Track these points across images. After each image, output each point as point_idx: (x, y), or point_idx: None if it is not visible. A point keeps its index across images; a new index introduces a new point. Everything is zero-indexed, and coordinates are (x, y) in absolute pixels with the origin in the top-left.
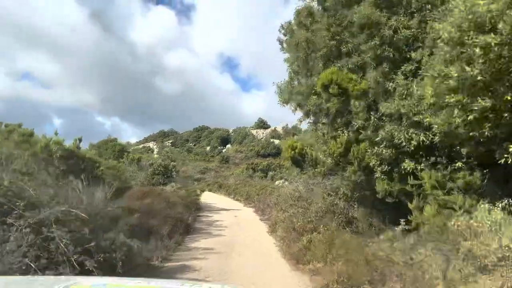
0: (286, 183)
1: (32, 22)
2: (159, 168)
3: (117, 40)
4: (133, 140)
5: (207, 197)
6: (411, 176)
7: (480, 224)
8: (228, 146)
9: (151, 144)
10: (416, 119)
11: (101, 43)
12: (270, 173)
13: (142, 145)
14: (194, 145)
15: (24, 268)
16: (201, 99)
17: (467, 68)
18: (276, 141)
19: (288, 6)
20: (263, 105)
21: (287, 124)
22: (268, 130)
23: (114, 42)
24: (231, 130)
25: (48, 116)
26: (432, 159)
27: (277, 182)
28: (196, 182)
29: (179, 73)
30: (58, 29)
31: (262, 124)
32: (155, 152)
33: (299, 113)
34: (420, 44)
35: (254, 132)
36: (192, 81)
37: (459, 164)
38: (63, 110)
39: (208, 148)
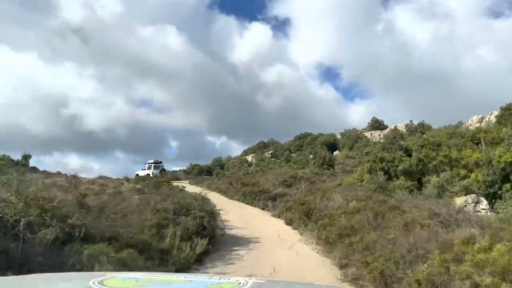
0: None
1: (142, 53)
2: None
3: (217, 62)
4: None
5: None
6: None
7: None
8: (336, 152)
9: (249, 157)
10: None
11: (203, 66)
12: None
13: (239, 158)
14: (294, 153)
15: None
16: (301, 110)
17: None
18: (401, 142)
19: (388, 7)
20: (368, 114)
21: (411, 121)
22: (387, 131)
23: (215, 65)
24: (338, 135)
25: (166, 139)
26: None
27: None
28: (270, 201)
29: (278, 87)
30: (164, 57)
31: (377, 125)
32: (252, 164)
33: None
34: None
35: (367, 134)
36: (291, 94)
37: None
38: (178, 133)
39: (311, 156)
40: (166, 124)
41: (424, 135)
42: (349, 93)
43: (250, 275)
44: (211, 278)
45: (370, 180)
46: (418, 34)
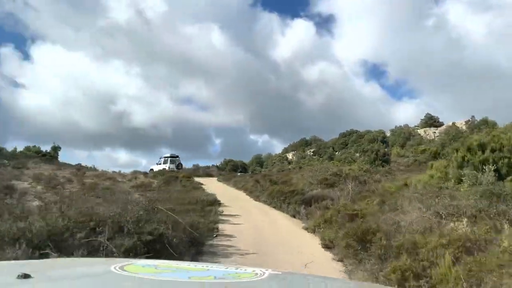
0: None
1: (186, 52)
2: None
3: (259, 59)
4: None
5: None
6: None
7: None
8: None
9: (290, 155)
10: None
11: (245, 64)
12: None
13: (279, 156)
14: (338, 152)
15: None
16: (345, 108)
17: None
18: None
19: (439, 1)
20: (416, 112)
21: (472, 117)
22: (443, 128)
23: (257, 62)
24: (388, 132)
25: (209, 136)
26: None
27: None
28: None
29: (320, 84)
30: (207, 55)
31: (431, 122)
32: (292, 162)
33: None
34: None
35: (421, 131)
36: (334, 91)
37: None
38: (221, 130)
39: (357, 154)
40: (210, 122)
41: (493, 131)
42: (396, 91)
43: None
44: (228, 268)
45: (470, 179)
46: (471, 29)
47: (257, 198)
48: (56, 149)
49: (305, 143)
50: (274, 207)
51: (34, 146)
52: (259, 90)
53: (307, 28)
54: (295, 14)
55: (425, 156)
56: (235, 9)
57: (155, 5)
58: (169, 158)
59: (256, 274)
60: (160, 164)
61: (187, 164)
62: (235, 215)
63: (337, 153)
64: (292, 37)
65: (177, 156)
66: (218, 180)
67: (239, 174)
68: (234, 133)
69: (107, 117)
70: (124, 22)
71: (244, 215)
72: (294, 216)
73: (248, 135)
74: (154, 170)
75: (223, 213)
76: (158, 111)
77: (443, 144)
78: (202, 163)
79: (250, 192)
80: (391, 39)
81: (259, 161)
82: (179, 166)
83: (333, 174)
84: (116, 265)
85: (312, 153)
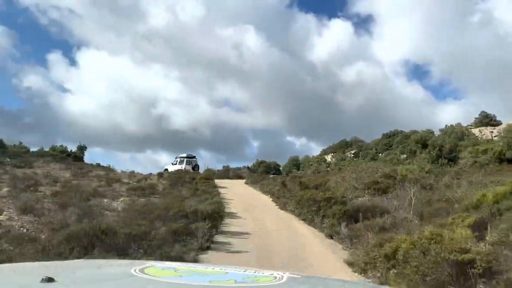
0: None
1: (222, 54)
2: None
3: (295, 60)
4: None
5: None
6: None
7: None
8: None
9: (328, 156)
10: None
11: (281, 65)
12: None
13: (317, 157)
14: (381, 153)
15: None
16: (385, 110)
17: None
18: None
19: None
20: (462, 113)
21: None
22: (502, 127)
23: (293, 63)
24: (437, 131)
25: (246, 138)
26: None
27: None
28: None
29: (359, 85)
30: (243, 57)
31: (487, 120)
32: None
33: None
34: None
35: (475, 131)
36: (374, 92)
37: None
38: (258, 132)
39: (403, 156)
40: (247, 124)
41: None
42: (440, 91)
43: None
44: (246, 271)
45: None
46: None
47: (283, 207)
48: (82, 148)
49: (345, 145)
50: (304, 220)
51: (61, 145)
52: (295, 91)
53: (345, 28)
54: (332, 15)
55: (487, 157)
56: (270, 11)
57: (190, 9)
58: (185, 159)
59: (275, 277)
60: (175, 164)
61: (220, 166)
62: (241, 235)
63: (380, 154)
64: (329, 37)
65: (194, 157)
66: (246, 183)
67: (271, 176)
68: (271, 135)
69: (148, 120)
70: (162, 27)
71: (256, 235)
72: (331, 237)
73: (285, 137)
74: (169, 170)
75: (226, 229)
76: (197, 113)
77: (510, 144)
78: (239, 165)
79: (277, 198)
80: (434, 37)
81: (296, 163)
82: (195, 167)
83: (384, 176)
84: (136, 268)
85: (352, 155)
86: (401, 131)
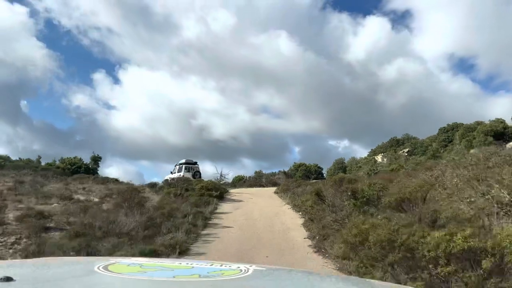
0: None
1: (256, 61)
2: None
3: (332, 62)
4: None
5: None
6: None
7: None
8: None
9: (379, 157)
10: None
11: (317, 68)
12: None
13: (367, 159)
14: (441, 149)
15: None
16: (430, 106)
17: None
18: None
19: None
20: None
21: None
22: None
23: (330, 65)
24: (510, 121)
25: (287, 144)
26: None
27: None
28: None
29: (401, 83)
30: (278, 63)
31: None
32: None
33: None
34: None
35: None
36: (417, 90)
37: None
38: (298, 137)
39: (473, 150)
40: (287, 129)
41: None
42: (490, 84)
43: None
44: (212, 264)
45: None
46: None
47: (320, 245)
48: (96, 159)
49: (395, 143)
50: None
51: (75, 157)
52: (334, 94)
53: (382, 25)
54: (367, 12)
55: None
56: (302, 14)
57: (221, 18)
58: (183, 165)
59: (241, 270)
60: (174, 172)
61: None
62: None
63: (442, 151)
64: (365, 36)
65: (195, 163)
66: (275, 192)
67: (312, 181)
68: (312, 139)
69: (189, 131)
70: (195, 38)
71: None
72: None
73: (327, 141)
74: (169, 180)
75: None
76: (236, 122)
77: None
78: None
79: (310, 220)
80: (479, 29)
81: (341, 166)
82: (196, 174)
83: None
84: (100, 265)
85: (406, 153)
86: (462, 124)
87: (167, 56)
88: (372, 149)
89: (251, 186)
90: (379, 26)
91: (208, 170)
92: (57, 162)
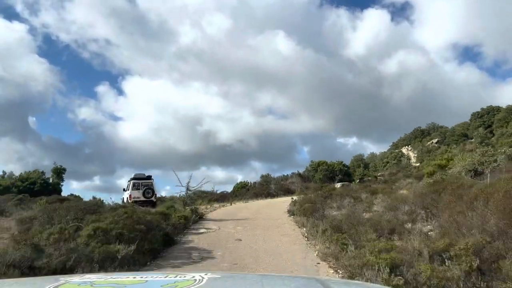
0: None
1: (255, 63)
2: None
3: (332, 59)
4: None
5: None
6: None
7: None
8: None
9: (404, 149)
10: None
11: (318, 66)
12: None
13: (392, 153)
14: (487, 134)
15: None
16: (437, 97)
17: None
18: None
19: None
20: None
21: None
22: None
23: (330, 62)
24: None
25: (295, 144)
26: None
27: None
28: None
29: (405, 76)
30: (278, 63)
31: None
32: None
33: None
34: None
35: None
36: (422, 81)
37: None
38: (306, 137)
39: None
40: (293, 130)
41: None
42: (498, 70)
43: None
44: (167, 276)
45: None
46: None
47: None
48: (59, 172)
49: (420, 134)
50: None
51: (35, 170)
52: (337, 91)
53: (381, 18)
54: (365, 5)
55: None
56: (298, 12)
57: (216, 22)
58: (131, 181)
59: (195, 280)
60: (127, 190)
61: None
62: None
63: (491, 136)
64: (364, 30)
65: (148, 177)
66: (289, 212)
67: (338, 185)
68: (320, 138)
69: (196, 137)
70: (192, 44)
71: None
72: None
73: (335, 139)
74: (124, 199)
75: None
76: (241, 125)
77: None
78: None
79: None
80: (482, 16)
81: (361, 163)
82: (147, 193)
83: None
84: (49, 286)
85: (436, 144)
86: (497, 107)
87: (167, 63)
88: (393, 143)
89: (256, 195)
90: (378, 19)
91: (219, 175)
92: (5, 178)
